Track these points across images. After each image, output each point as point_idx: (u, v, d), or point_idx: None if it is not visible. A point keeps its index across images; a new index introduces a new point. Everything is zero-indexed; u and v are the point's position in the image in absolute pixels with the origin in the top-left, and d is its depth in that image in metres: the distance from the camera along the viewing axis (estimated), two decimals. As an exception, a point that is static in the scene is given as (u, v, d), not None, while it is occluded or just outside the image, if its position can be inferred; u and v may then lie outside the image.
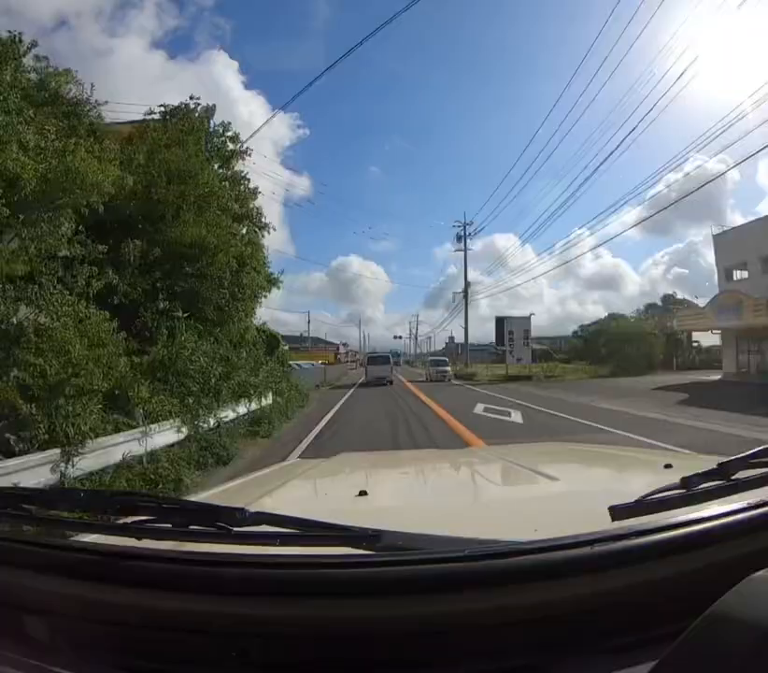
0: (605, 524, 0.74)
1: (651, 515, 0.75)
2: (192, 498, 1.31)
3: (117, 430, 6.09)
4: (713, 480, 0.81)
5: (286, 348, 23.10)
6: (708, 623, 0.54)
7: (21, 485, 3.75)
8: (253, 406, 11.20)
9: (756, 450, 0.85)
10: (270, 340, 18.47)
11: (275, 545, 0.74)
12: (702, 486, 0.80)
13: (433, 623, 0.68)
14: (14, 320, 5.57)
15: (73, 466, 4.99)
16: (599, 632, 0.69)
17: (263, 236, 14.83)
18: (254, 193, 14.58)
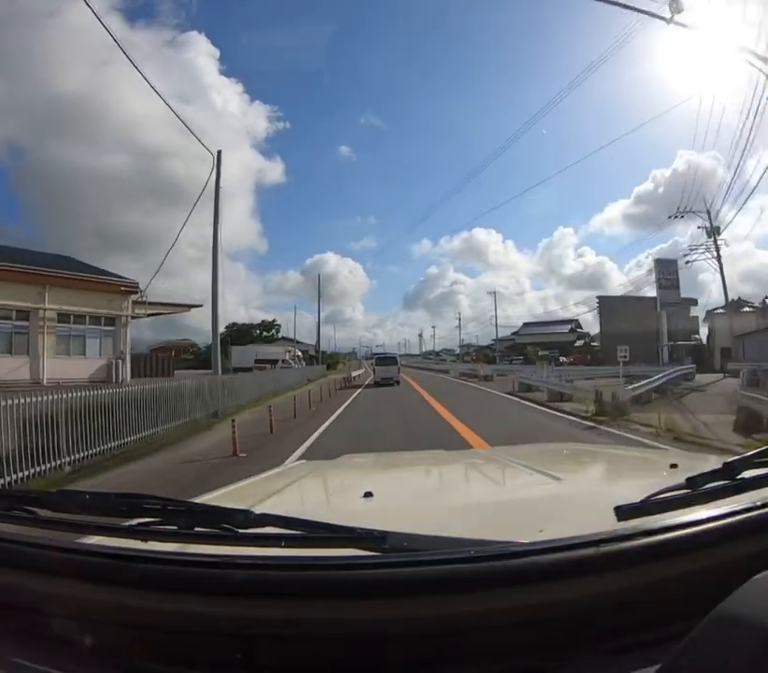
0: (611, 525, 0.73)
1: (657, 515, 0.75)
2: (197, 500, 1.31)
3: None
4: (718, 480, 0.80)
5: None
6: (714, 624, 0.54)
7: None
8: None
9: (762, 449, 0.85)
10: None
11: (280, 547, 0.74)
12: (707, 486, 0.79)
13: (440, 625, 0.68)
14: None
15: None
16: (605, 633, 0.69)
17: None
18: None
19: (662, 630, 0.67)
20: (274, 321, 61.12)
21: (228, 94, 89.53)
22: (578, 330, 62.53)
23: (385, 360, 30.88)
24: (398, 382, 27.89)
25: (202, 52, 77.86)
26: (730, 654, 0.51)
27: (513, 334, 68.12)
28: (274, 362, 40.92)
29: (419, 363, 74.02)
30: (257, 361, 41.70)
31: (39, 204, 73.93)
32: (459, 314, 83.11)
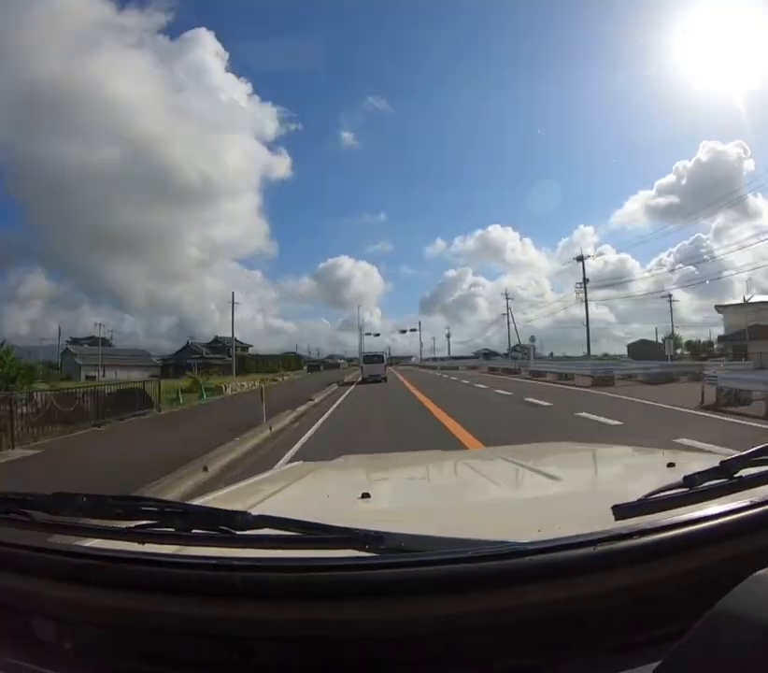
0: (609, 524, 0.73)
1: (654, 514, 0.75)
2: (195, 502, 1.31)
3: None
4: (716, 479, 0.80)
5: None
6: (712, 622, 0.54)
7: None
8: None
9: (759, 447, 0.85)
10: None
11: (278, 548, 0.74)
12: (705, 484, 0.80)
13: (438, 625, 0.68)
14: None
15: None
16: (603, 632, 0.69)
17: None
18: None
19: (661, 628, 0.67)
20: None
21: (236, 93, 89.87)
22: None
23: (372, 358, 34.49)
24: (385, 379, 30.87)
25: (209, 51, 77.81)
26: (728, 652, 0.51)
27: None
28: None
29: (450, 366, 58.27)
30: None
31: None
32: (507, 297, 59.87)
